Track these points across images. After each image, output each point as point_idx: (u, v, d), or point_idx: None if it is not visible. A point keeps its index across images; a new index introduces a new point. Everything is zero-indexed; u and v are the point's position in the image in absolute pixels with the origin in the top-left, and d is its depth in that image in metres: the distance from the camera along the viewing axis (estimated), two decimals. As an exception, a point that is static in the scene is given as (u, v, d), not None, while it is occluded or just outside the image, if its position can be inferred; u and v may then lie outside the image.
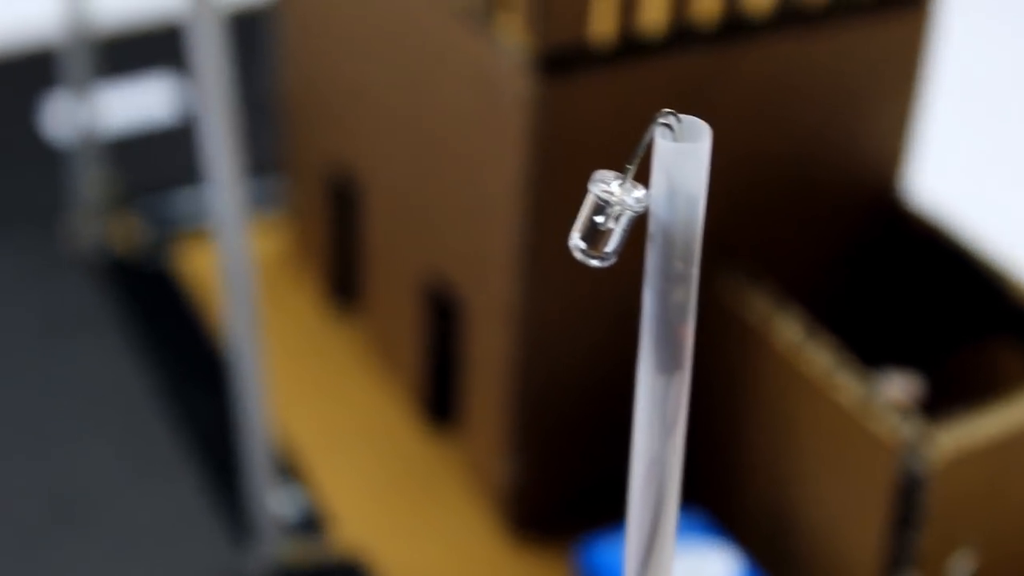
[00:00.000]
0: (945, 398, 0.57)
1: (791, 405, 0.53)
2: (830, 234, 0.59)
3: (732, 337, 0.54)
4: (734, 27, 0.52)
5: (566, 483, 0.59)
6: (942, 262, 0.58)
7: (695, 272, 0.29)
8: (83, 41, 0.67)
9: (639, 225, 0.29)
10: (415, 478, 0.62)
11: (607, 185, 0.29)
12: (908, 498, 0.49)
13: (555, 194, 0.52)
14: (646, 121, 0.51)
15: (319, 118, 0.65)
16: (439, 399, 0.63)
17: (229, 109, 0.48)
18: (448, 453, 0.62)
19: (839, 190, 0.58)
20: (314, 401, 0.65)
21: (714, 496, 0.57)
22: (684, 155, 0.28)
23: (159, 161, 0.77)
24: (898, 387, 0.55)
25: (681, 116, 0.28)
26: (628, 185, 0.29)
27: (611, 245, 0.29)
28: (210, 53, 0.47)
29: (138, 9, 0.89)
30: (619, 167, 0.52)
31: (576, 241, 0.29)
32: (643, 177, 0.29)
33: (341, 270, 0.68)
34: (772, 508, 0.55)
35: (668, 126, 0.28)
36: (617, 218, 0.29)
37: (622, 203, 0.29)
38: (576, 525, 0.59)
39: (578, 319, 0.55)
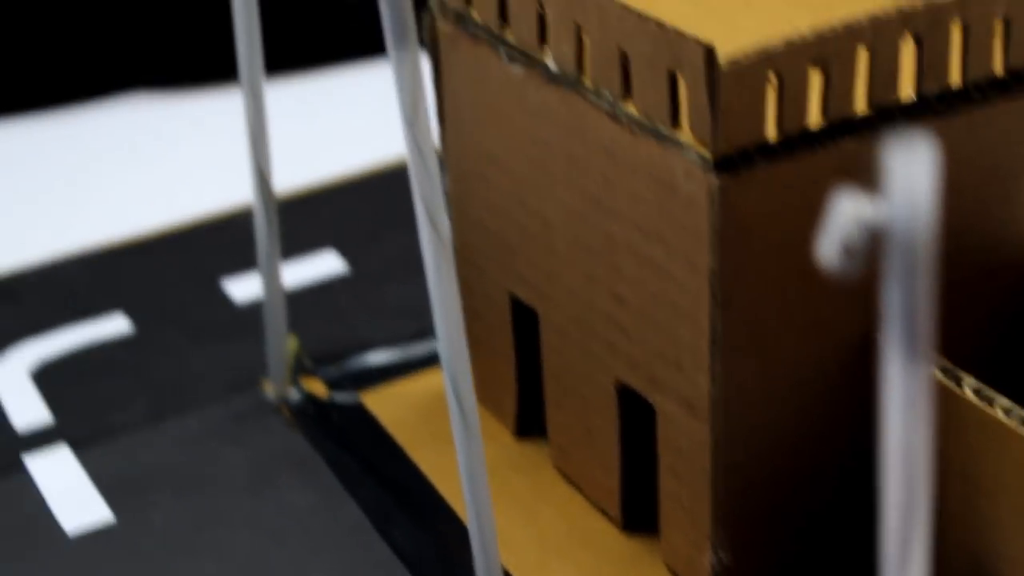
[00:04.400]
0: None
1: (977, 447, 0.57)
2: (985, 301, 0.63)
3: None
4: (886, 113, 0.57)
5: (769, 567, 0.63)
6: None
7: (931, 267, 0.34)
8: (267, 213, 0.73)
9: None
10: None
11: (849, 204, 0.34)
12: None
13: (740, 284, 0.57)
14: (815, 206, 0.56)
15: (491, 253, 0.70)
16: (637, 501, 0.67)
17: (450, 254, 0.54)
18: (650, 551, 0.67)
19: (992, 259, 0.62)
20: (514, 519, 0.69)
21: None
22: (914, 162, 0.33)
23: (338, 319, 0.83)
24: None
25: (907, 131, 0.33)
26: (865, 200, 0.34)
27: (855, 256, 0.34)
28: (433, 201, 0.52)
29: (305, 179, 0.95)
30: (796, 252, 0.58)
31: (825, 257, 0.34)
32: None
33: (525, 395, 0.73)
34: (968, 557, 0.59)
35: (897, 141, 0.33)
36: (860, 231, 0.34)
37: (865, 216, 0.33)
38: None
39: (770, 405, 0.60)
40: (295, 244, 0.89)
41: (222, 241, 0.90)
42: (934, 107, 0.58)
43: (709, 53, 0.53)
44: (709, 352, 0.58)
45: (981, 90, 0.60)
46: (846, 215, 0.33)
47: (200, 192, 0.97)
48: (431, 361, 0.79)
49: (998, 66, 0.59)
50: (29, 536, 0.70)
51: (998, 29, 0.59)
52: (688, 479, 0.62)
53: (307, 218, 0.92)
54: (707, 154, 0.55)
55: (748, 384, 0.59)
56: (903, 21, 0.56)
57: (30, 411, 0.77)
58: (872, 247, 0.34)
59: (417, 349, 0.81)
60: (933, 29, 0.57)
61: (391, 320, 0.83)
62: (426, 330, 0.80)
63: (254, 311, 0.83)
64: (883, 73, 0.56)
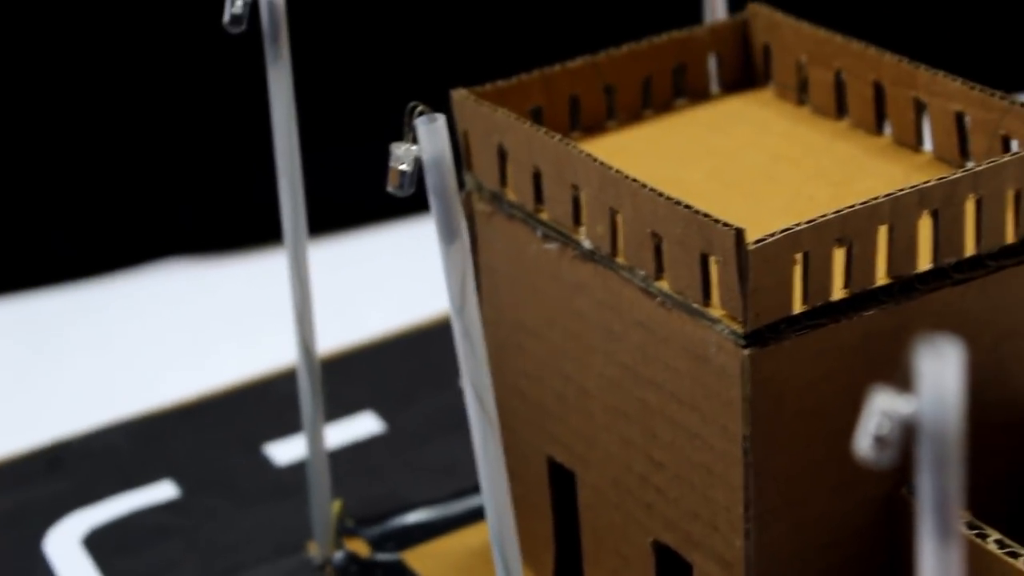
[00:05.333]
0: None
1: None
2: (1005, 456, 0.66)
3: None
4: (905, 284, 0.60)
5: None
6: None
7: (961, 458, 0.37)
8: (311, 382, 0.76)
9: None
10: None
11: (883, 399, 0.37)
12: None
13: (771, 448, 0.60)
14: (841, 372, 0.59)
15: (528, 417, 0.73)
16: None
17: (498, 434, 0.57)
18: None
19: (1011, 415, 0.65)
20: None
21: None
22: (942, 364, 0.36)
23: (377, 478, 0.86)
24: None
25: (935, 338, 0.36)
26: (897, 397, 0.37)
27: (889, 448, 0.37)
28: (481, 383, 0.55)
29: (339, 337, 0.98)
30: (824, 416, 0.60)
31: (861, 448, 0.37)
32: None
33: (563, 552, 0.75)
34: None
35: (927, 346, 0.36)
36: (893, 424, 0.37)
37: (897, 411, 0.36)
38: None
39: (802, 561, 0.62)
40: (332, 404, 0.92)
41: (262, 403, 0.93)
42: (950, 275, 0.62)
43: (739, 236, 0.56)
44: (743, 513, 0.61)
45: (994, 257, 0.63)
46: (880, 410, 0.36)
47: (236, 355, 1.00)
48: (469, 519, 0.82)
49: (1010, 235, 0.62)
50: None
51: (1010, 200, 0.62)
52: (726, 636, 0.64)
53: (343, 379, 0.95)
54: (738, 328, 0.58)
55: (781, 542, 0.62)
56: (920, 199, 0.59)
57: (83, 578, 0.80)
58: (904, 439, 0.36)
59: (455, 507, 0.83)
60: (948, 204, 0.60)
61: (429, 478, 0.86)
62: (463, 489, 0.83)
63: (295, 472, 0.86)
64: (902, 247, 0.60)
